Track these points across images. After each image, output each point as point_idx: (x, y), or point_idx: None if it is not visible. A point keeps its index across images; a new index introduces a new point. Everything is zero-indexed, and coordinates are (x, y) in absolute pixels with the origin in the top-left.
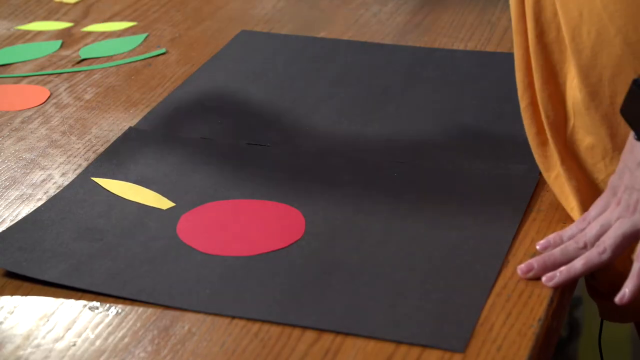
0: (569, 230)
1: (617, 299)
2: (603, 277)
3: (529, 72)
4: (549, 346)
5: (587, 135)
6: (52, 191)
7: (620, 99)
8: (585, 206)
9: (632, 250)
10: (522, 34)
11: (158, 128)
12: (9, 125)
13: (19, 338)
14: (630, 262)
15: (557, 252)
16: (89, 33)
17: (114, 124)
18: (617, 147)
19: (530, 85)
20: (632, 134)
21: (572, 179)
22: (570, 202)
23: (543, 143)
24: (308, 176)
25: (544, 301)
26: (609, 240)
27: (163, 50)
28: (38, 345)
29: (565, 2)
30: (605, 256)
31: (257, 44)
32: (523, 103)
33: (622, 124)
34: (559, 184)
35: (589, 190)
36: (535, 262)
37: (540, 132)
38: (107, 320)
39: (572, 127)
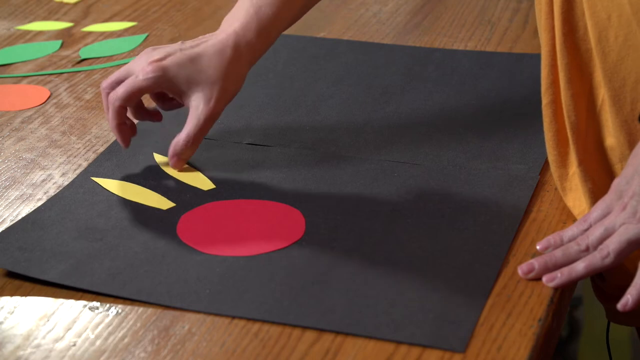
0: (570, 230)
1: (620, 305)
2: (612, 280)
3: (554, 70)
4: (549, 346)
5: (608, 136)
6: (52, 191)
7: None
8: None
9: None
10: (549, 31)
11: (158, 128)
12: (9, 125)
13: (19, 338)
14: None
15: (558, 253)
16: (89, 33)
17: None
18: None
19: (553, 83)
20: None
21: (589, 181)
22: (581, 204)
23: (562, 142)
24: (308, 176)
25: (544, 301)
26: (612, 245)
27: None
28: (38, 345)
29: (593, 4)
30: (608, 261)
31: None
32: (545, 100)
33: None
34: (573, 184)
35: (604, 194)
36: (536, 262)
37: (560, 130)
38: (107, 320)
39: (595, 125)
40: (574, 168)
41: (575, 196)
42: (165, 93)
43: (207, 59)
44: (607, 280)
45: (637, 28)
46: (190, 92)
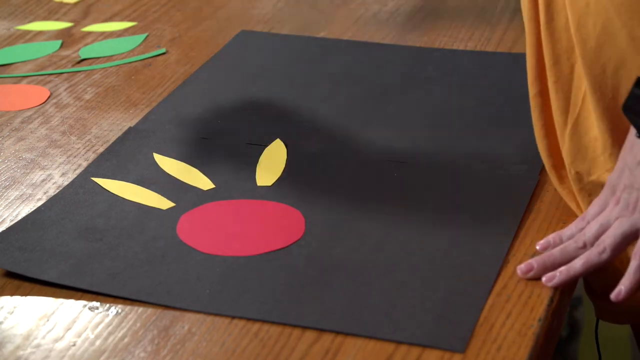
0: (569, 229)
1: (613, 295)
2: (600, 277)
3: (540, 60)
4: (549, 346)
5: (591, 127)
6: (52, 191)
7: (622, 93)
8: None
9: (630, 248)
10: (534, 20)
11: (158, 128)
12: (9, 125)
13: (19, 338)
14: (627, 261)
15: (556, 252)
16: (89, 33)
17: (114, 124)
18: (616, 142)
19: (541, 73)
20: (632, 132)
21: (572, 170)
22: (575, 198)
23: (551, 133)
24: (308, 176)
25: (544, 301)
26: (608, 240)
27: (163, 50)
28: (38, 345)
29: None
30: (604, 256)
31: (257, 44)
32: (532, 91)
33: (623, 119)
34: (564, 174)
35: (588, 184)
36: (535, 262)
37: (548, 122)
38: (107, 320)
39: (577, 116)
40: (561, 159)
41: (567, 186)
42: None
43: None
44: (596, 276)
45: (615, 15)
46: None
